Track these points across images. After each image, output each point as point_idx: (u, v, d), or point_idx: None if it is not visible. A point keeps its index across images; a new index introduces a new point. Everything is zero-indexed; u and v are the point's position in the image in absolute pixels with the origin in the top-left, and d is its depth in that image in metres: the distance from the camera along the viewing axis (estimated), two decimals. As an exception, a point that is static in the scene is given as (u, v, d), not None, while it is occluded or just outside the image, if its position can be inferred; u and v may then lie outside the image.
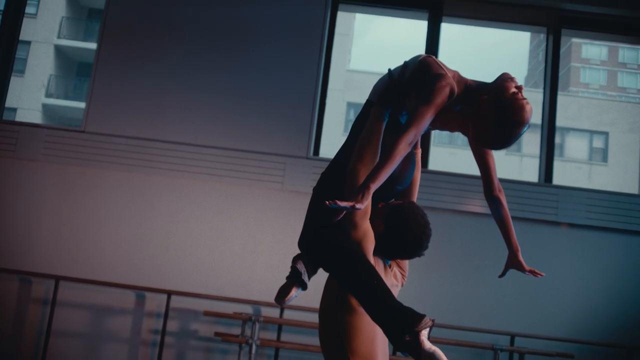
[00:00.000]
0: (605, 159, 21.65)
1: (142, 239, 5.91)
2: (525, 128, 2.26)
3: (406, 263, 2.57)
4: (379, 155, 2.28)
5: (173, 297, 5.68)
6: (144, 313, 5.78)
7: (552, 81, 6.31)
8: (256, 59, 6.18)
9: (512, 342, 5.65)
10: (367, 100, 2.53)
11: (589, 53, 36.60)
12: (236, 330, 5.55)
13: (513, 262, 2.61)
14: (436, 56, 6.29)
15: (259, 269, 5.81)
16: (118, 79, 6.17)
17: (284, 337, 5.66)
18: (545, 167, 6.21)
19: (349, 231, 2.25)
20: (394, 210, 2.39)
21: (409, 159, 2.48)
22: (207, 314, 5.51)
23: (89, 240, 5.91)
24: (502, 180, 6.08)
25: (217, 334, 5.42)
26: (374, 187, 2.09)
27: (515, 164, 21.83)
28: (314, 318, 5.62)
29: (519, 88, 2.26)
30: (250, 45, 6.20)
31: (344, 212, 2.11)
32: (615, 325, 5.78)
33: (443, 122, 2.44)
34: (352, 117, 19.66)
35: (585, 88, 35.22)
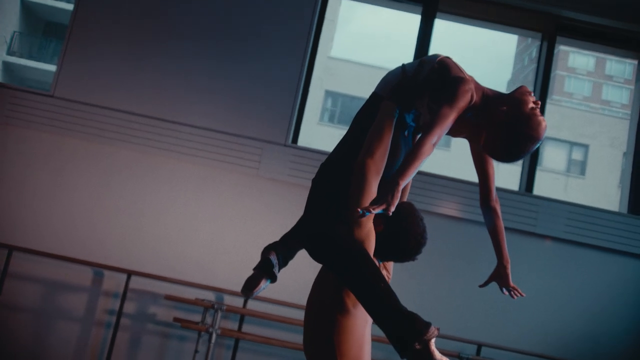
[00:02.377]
0: (583, 172, 22.03)
1: (106, 214, 5.86)
2: (538, 145, 2.35)
3: (391, 265, 2.60)
4: (388, 151, 2.30)
5: (133, 278, 5.65)
6: (100, 292, 5.74)
7: (542, 89, 6.42)
8: (241, 40, 6.15)
9: (478, 352, 5.75)
10: (374, 93, 2.53)
11: (575, 62, 37.15)
12: (196, 317, 5.55)
13: (500, 274, 2.67)
14: (427, 52, 6.35)
15: (226, 255, 5.81)
16: (94, 44, 6.09)
17: (246, 328, 5.68)
18: (527, 176, 6.32)
19: (352, 229, 2.24)
20: (397, 211, 2.42)
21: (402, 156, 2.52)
22: (168, 298, 5.49)
23: (49, 210, 5.84)
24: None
25: (176, 319, 5.42)
26: (402, 186, 2.12)
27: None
28: (278, 310, 5.68)
29: (536, 103, 2.34)
30: (236, 26, 6.17)
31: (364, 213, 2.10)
32: (583, 343, 5.92)
33: (452, 128, 2.48)
34: (330, 105, 19.69)
35: (568, 97, 35.77)
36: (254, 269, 2.69)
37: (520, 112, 2.32)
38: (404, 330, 2.02)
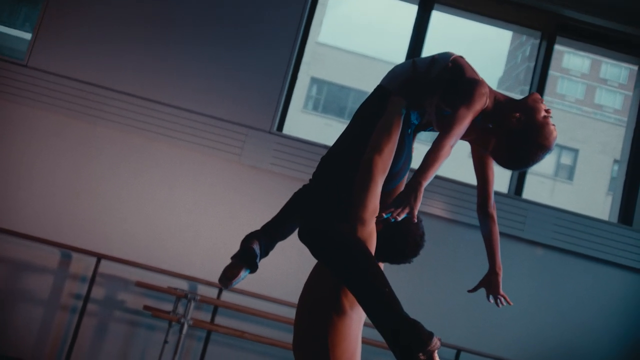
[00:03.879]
0: (571, 177, 22.29)
1: (77, 193, 5.83)
2: (547, 154, 2.41)
3: (382, 266, 2.64)
4: (395, 148, 2.33)
5: (103, 262, 5.63)
6: (67, 275, 5.72)
7: (538, 90, 6.50)
8: (230, 22, 6.13)
9: (457, 357, 5.84)
10: (381, 86, 2.54)
11: (570, 63, 37.51)
12: (168, 307, 5.56)
13: (490, 281, 2.72)
14: (422, 44, 6.40)
15: (202, 243, 5.83)
16: (74, 15, 6.04)
17: (219, 320, 5.70)
18: (517, 179, 6.41)
19: (355, 227, 2.25)
20: None
21: (409, 155, 2.55)
22: (139, 284, 5.50)
23: (15, 186, 5.80)
24: (466, 185, 6.23)
25: (146, 307, 5.42)
26: (424, 186, 2.15)
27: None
28: (254, 303, 5.71)
29: (548, 112, 2.41)
30: (226, 7, 6.15)
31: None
32: (563, 353, 6.03)
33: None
34: (315, 93, 19.69)
35: (560, 99, 36.14)
36: (233, 258, 2.68)
37: (533, 120, 2.39)
38: (408, 340, 2.02)
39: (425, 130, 2.64)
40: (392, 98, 2.41)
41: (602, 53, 7.19)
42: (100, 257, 5.60)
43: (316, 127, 18.14)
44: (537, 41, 6.80)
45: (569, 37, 6.65)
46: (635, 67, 7.09)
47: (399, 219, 2.08)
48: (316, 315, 2.30)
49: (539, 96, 2.47)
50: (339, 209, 2.31)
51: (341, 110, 19.35)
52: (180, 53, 6.08)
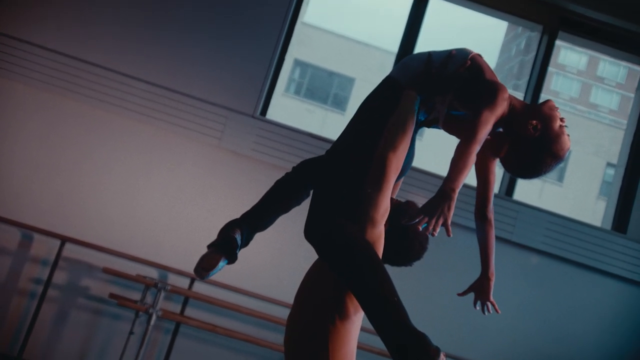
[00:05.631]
0: (561, 178, 22.53)
1: (41, 170, 5.79)
2: (559, 165, 2.49)
3: None
4: (409, 144, 2.36)
5: (67, 245, 5.61)
6: (28, 257, 5.69)
7: (537, 87, 6.57)
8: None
9: (438, 362, 5.90)
10: (392, 78, 2.56)
11: (566, 59, 37.85)
12: (136, 296, 5.56)
13: (481, 287, 2.77)
14: (418, 31, 6.44)
15: (175, 230, 5.82)
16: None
17: (189, 311, 5.72)
18: (508, 179, 6.48)
19: (365, 228, 2.25)
20: (399, 210, 2.48)
21: (413, 153, 2.58)
22: (105, 271, 5.48)
23: (-24, 160, 5.75)
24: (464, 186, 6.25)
25: (112, 295, 5.41)
26: (457, 194, 2.17)
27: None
28: (228, 296, 5.73)
29: (563, 120, 2.48)
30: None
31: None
32: (548, 361, 6.14)
33: (463, 129, 2.56)
34: (298, 76, 19.64)
35: (554, 96, 36.45)
36: (210, 247, 2.68)
37: (550, 129, 2.45)
38: (415, 356, 2.04)
39: (428, 127, 2.67)
40: (406, 92, 2.43)
41: (605, 51, 7.26)
42: (64, 239, 5.58)
43: (297, 112, 18.08)
44: (534, 34, 6.86)
45: (572, 33, 6.71)
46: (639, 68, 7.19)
47: (436, 233, 2.10)
48: (317, 317, 2.30)
49: (554, 103, 2.54)
50: (348, 208, 2.30)
51: (324, 97, 19.31)
52: (159, 27, 6.05)
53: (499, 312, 2.81)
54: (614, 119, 34.37)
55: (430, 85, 2.45)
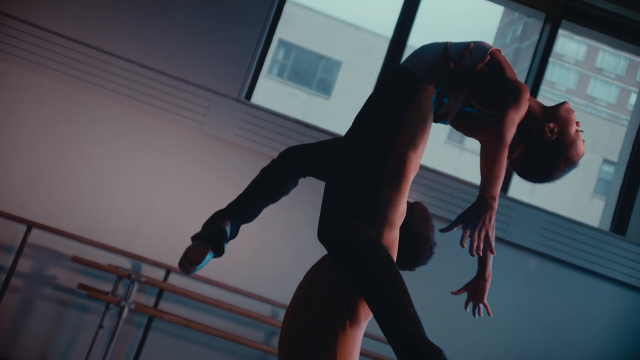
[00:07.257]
0: (555, 175, 22.68)
1: (6, 150, 5.74)
2: (572, 170, 2.53)
3: None
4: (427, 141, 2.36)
5: (34, 231, 5.58)
6: (-9, 242, 5.66)
7: (537, 77, 6.61)
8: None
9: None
10: (407, 70, 2.53)
11: (564, 48, 38.08)
12: (107, 287, 5.54)
13: (477, 288, 2.81)
14: (414, 16, 6.45)
15: (151, 218, 5.81)
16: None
17: (163, 305, 5.71)
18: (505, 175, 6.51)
19: (382, 230, 2.25)
20: (410, 211, 2.48)
21: None
22: (75, 260, 5.46)
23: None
24: (445, 176, 6.28)
25: (81, 286, 5.39)
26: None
27: (455, 155, 22.53)
28: (205, 290, 5.73)
29: (578, 124, 2.52)
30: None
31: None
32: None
33: (476, 129, 2.58)
34: (282, 58, 19.58)
35: (549, 87, 36.68)
36: (196, 239, 2.65)
37: (566, 133, 2.49)
38: None
39: (434, 122, 2.67)
40: (424, 86, 2.43)
41: (608, 41, 7.29)
42: (30, 225, 5.55)
43: (280, 95, 18.04)
44: (531, 20, 6.91)
45: (575, 22, 6.75)
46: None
47: (481, 252, 2.09)
48: (325, 320, 2.29)
49: (570, 106, 2.57)
50: (366, 210, 2.30)
51: (309, 80, 19.26)
52: (141, 4, 6.01)
53: (491, 315, 2.83)
54: (612, 113, 34.71)
55: (448, 79, 2.46)
